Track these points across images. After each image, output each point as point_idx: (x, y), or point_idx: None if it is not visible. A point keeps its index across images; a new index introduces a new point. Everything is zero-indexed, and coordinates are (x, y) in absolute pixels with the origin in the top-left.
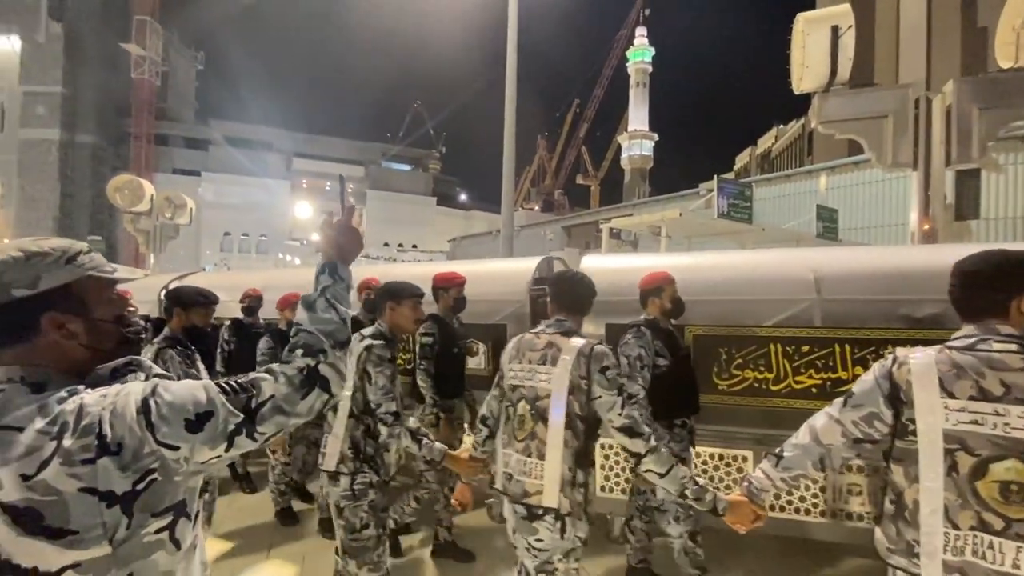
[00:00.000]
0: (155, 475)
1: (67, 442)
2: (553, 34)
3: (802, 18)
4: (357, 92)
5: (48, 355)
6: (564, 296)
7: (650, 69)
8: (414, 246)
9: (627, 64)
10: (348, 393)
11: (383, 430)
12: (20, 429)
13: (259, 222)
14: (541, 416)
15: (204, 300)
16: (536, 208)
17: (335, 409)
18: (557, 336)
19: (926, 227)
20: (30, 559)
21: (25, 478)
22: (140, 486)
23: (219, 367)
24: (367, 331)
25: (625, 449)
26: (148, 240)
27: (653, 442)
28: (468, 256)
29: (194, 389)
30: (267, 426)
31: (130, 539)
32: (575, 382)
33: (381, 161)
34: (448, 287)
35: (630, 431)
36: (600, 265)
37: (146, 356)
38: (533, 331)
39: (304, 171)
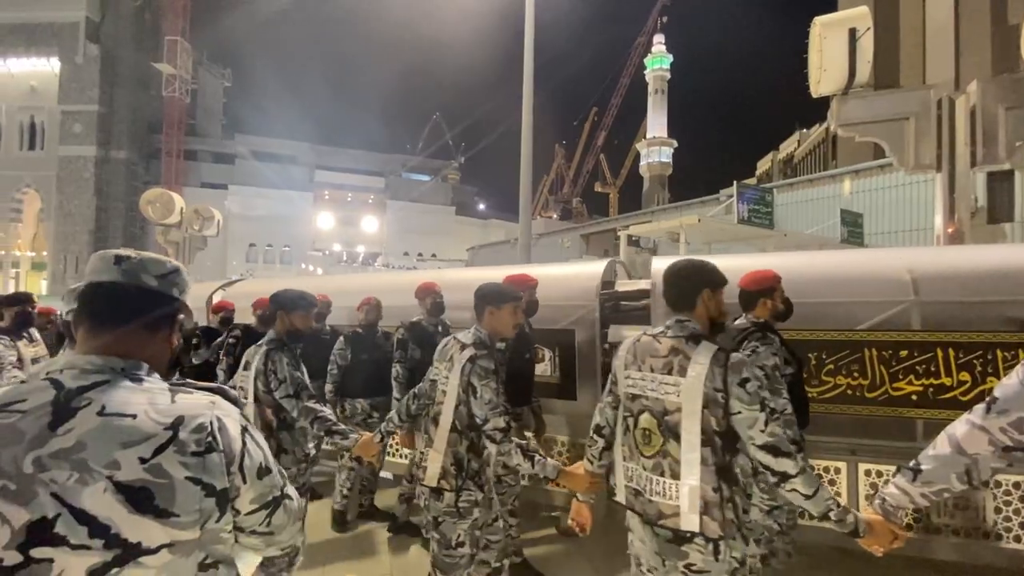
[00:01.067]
0: (232, 489)
1: (182, 434)
2: (570, 43)
3: (819, 22)
4: (378, 105)
5: (154, 354)
6: (679, 292)
7: (668, 76)
8: (433, 255)
9: (645, 71)
10: (451, 406)
11: (492, 447)
12: (134, 416)
13: (283, 233)
14: (672, 433)
15: (306, 303)
16: (554, 216)
17: (436, 422)
18: (681, 341)
19: (951, 230)
20: (136, 535)
21: (143, 460)
22: (229, 489)
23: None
24: (467, 339)
25: (767, 468)
26: (178, 251)
27: (802, 461)
28: (485, 265)
29: (266, 448)
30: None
31: (214, 529)
32: (710, 395)
33: (401, 172)
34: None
35: (775, 450)
36: None
37: (255, 357)
38: (650, 333)
39: (326, 183)
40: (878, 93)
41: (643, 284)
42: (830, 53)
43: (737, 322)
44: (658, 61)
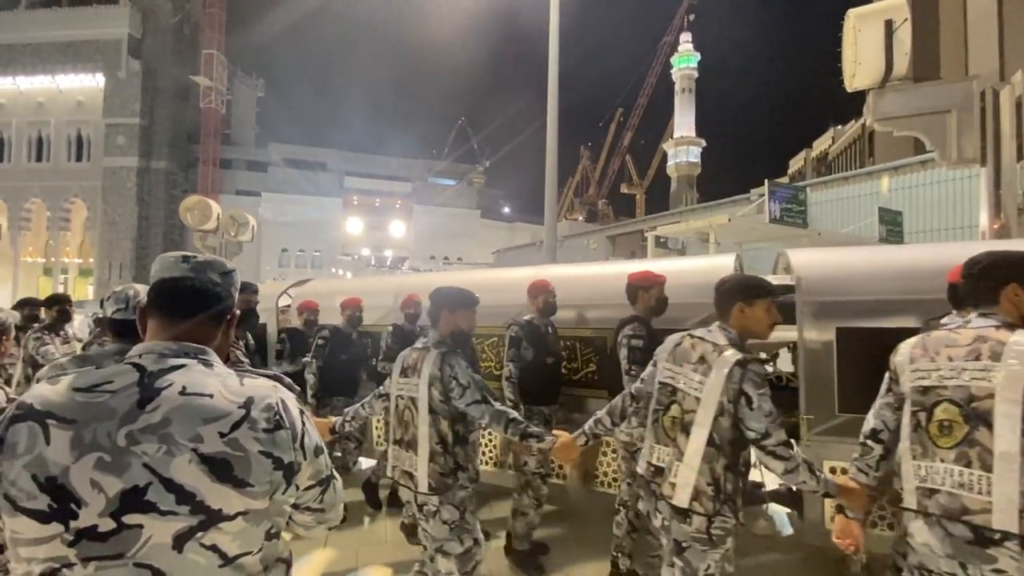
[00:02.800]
0: (295, 464)
1: (254, 413)
2: (595, 44)
3: (853, 14)
4: (405, 111)
5: (217, 344)
6: (983, 286)
7: (696, 75)
8: (459, 259)
9: (672, 71)
10: (710, 416)
11: (776, 465)
12: (211, 396)
13: (314, 238)
14: (982, 420)
15: (471, 301)
16: (580, 218)
17: (686, 432)
18: (991, 330)
19: (996, 226)
20: (218, 502)
21: (222, 435)
22: (294, 463)
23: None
24: (720, 339)
25: None
26: (215, 256)
27: None
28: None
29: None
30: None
31: (280, 500)
32: None
33: (428, 177)
34: (649, 286)
35: None
36: (821, 260)
37: (428, 361)
38: (951, 326)
39: (355, 189)
40: (917, 86)
41: (775, 278)
42: (865, 46)
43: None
44: (685, 60)
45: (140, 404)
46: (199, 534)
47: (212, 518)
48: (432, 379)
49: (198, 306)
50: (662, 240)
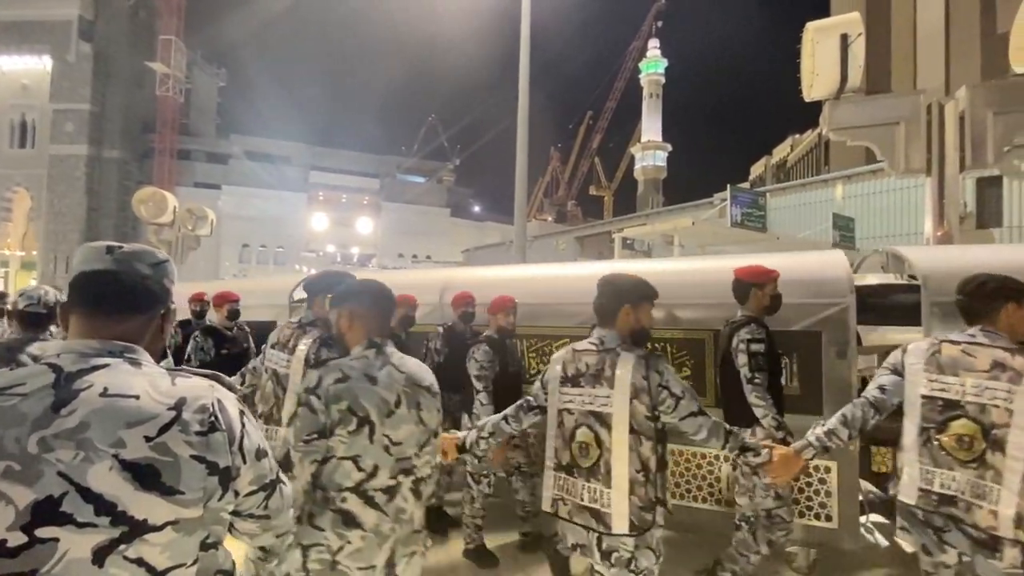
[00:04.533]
0: (233, 469)
1: (186, 414)
2: (566, 46)
3: (811, 27)
4: (373, 106)
5: (149, 341)
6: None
7: (663, 80)
8: (428, 257)
9: (640, 76)
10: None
11: None
12: (136, 397)
13: (277, 234)
14: (997, 445)
15: (653, 294)
16: (549, 219)
17: (996, 449)
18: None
19: (940, 233)
20: (142, 512)
21: (148, 439)
22: (231, 468)
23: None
24: (1005, 343)
25: None
26: (171, 250)
27: None
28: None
29: (260, 433)
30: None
31: (216, 508)
32: None
33: (396, 173)
34: (764, 283)
35: None
36: (945, 258)
37: (625, 368)
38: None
39: (321, 184)
40: (869, 98)
41: (889, 279)
42: (822, 58)
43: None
44: (653, 65)
45: (55, 407)
46: (122, 547)
47: (136, 529)
48: (637, 390)
49: (124, 301)
50: (629, 242)
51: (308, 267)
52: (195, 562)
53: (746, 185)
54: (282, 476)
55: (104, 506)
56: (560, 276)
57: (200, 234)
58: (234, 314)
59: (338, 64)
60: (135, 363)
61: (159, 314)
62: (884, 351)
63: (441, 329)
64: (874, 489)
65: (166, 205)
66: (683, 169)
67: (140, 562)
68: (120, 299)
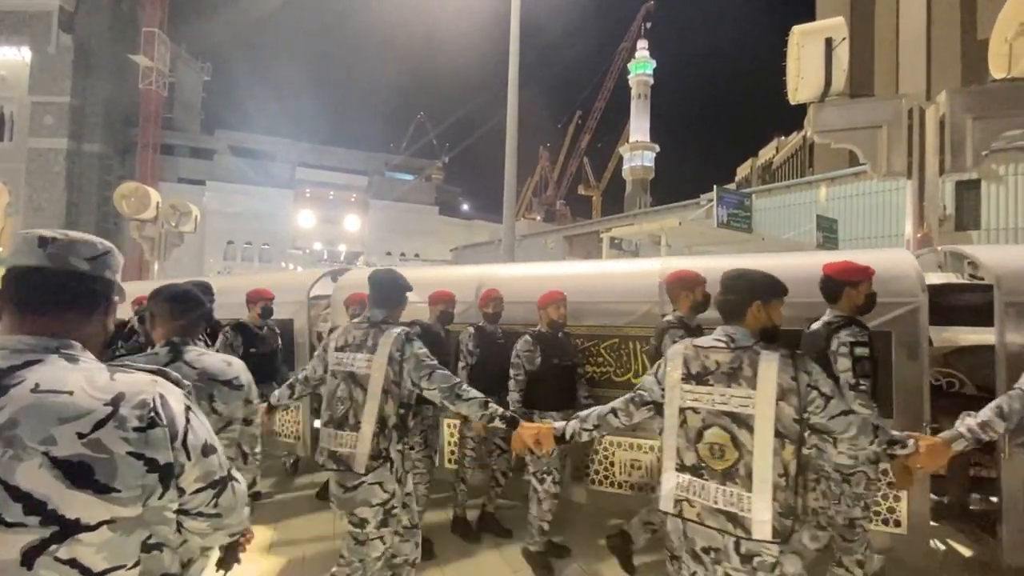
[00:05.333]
0: (176, 465)
1: (123, 410)
2: (555, 46)
3: (797, 30)
4: (361, 103)
5: (88, 335)
6: None
7: (651, 81)
8: (416, 255)
9: (628, 76)
10: None
11: None
12: (70, 393)
13: (262, 231)
14: None
15: (783, 290)
16: (538, 218)
17: None
18: None
19: (920, 235)
20: (74, 511)
21: (80, 435)
22: (173, 465)
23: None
24: None
25: None
26: (153, 247)
27: None
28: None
29: (209, 428)
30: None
31: (157, 507)
32: None
33: (384, 171)
34: (858, 281)
35: None
36: (1018, 258)
37: (768, 367)
38: None
39: (307, 181)
40: (853, 101)
41: (938, 276)
42: (807, 62)
43: None
44: (641, 66)
45: None
46: (53, 547)
47: (68, 529)
48: (784, 391)
49: (56, 298)
50: (616, 241)
51: (294, 265)
52: (136, 564)
53: (732, 186)
54: (235, 474)
55: (33, 505)
56: (608, 273)
57: (184, 230)
58: (268, 312)
59: (326, 60)
60: (71, 359)
61: (99, 308)
62: (956, 352)
63: (472, 329)
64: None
65: (149, 201)
66: (670, 170)
67: (73, 563)
68: (51, 298)
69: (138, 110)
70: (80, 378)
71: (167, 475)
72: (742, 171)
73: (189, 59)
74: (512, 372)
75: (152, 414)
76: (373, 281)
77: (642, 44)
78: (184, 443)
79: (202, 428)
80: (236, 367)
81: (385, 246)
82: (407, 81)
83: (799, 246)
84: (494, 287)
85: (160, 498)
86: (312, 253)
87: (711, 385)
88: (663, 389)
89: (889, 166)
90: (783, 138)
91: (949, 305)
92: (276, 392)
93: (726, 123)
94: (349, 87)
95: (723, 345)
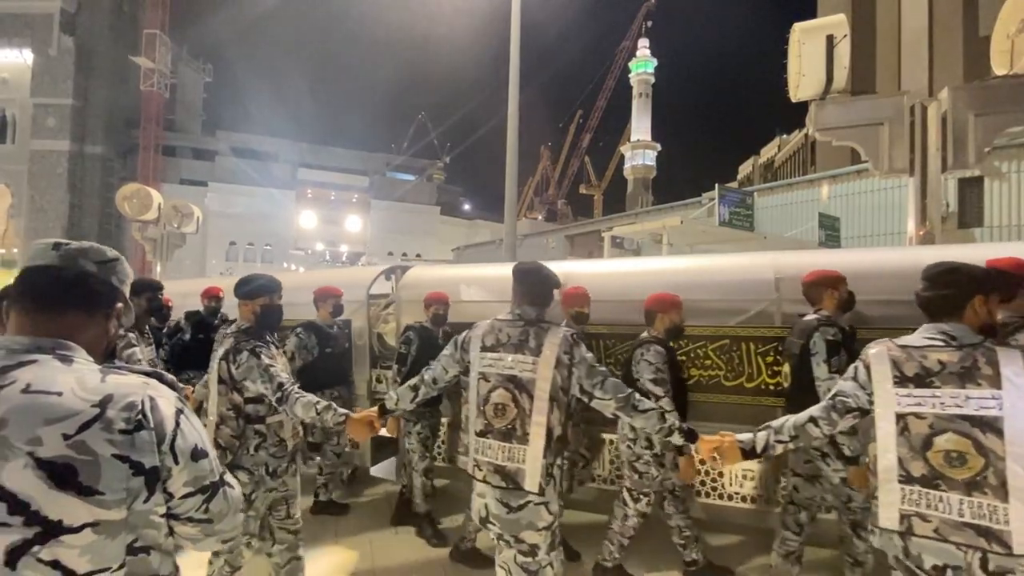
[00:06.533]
0: (162, 469)
1: (110, 412)
2: (556, 45)
3: (798, 28)
4: (362, 103)
5: (89, 338)
6: None
7: (652, 80)
8: (418, 255)
9: (629, 75)
10: None
11: None
12: (59, 394)
13: (264, 231)
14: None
15: (1002, 287)
16: (539, 218)
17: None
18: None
19: (922, 233)
20: (57, 512)
21: (66, 437)
22: (159, 468)
23: None
24: None
25: None
26: (155, 248)
27: None
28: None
29: (203, 432)
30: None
31: (143, 510)
32: None
33: (385, 171)
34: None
35: None
36: None
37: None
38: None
39: (309, 181)
40: (854, 98)
41: None
42: (808, 59)
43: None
44: (642, 65)
45: None
46: (35, 548)
47: (51, 530)
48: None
49: (61, 297)
50: (618, 240)
51: (296, 265)
52: (122, 566)
53: (734, 184)
54: (228, 479)
55: (17, 505)
56: (715, 268)
57: (186, 231)
58: (338, 310)
59: (327, 60)
60: (66, 359)
61: (103, 312)
62: None
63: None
64: None
65: (151, 202)
66: (672, 168)
67: (56, 565)
68: (57, 294)
69: (140, 112)
70: (71, 379)
71: (153, 479)
72: (744, 169)
73: (190, 60)
74: (659, 389)
75: (139, 416)
76: (520, 275)
77: (643, 43)
78: (172, 447)
79: (193, 432)
80: None
81: (386, 246)
82: (408, 81)
83: (801, 244)
84: (579, 284)
85: (146, 502)
86: (314, 254)
87: (935, 387)
88: (869, 394)
89: (891, 163)
90: (785, 136)
91: None
92: (392, 393)
93: (728, 121)
94: (350, 88)
95: (942, 343)
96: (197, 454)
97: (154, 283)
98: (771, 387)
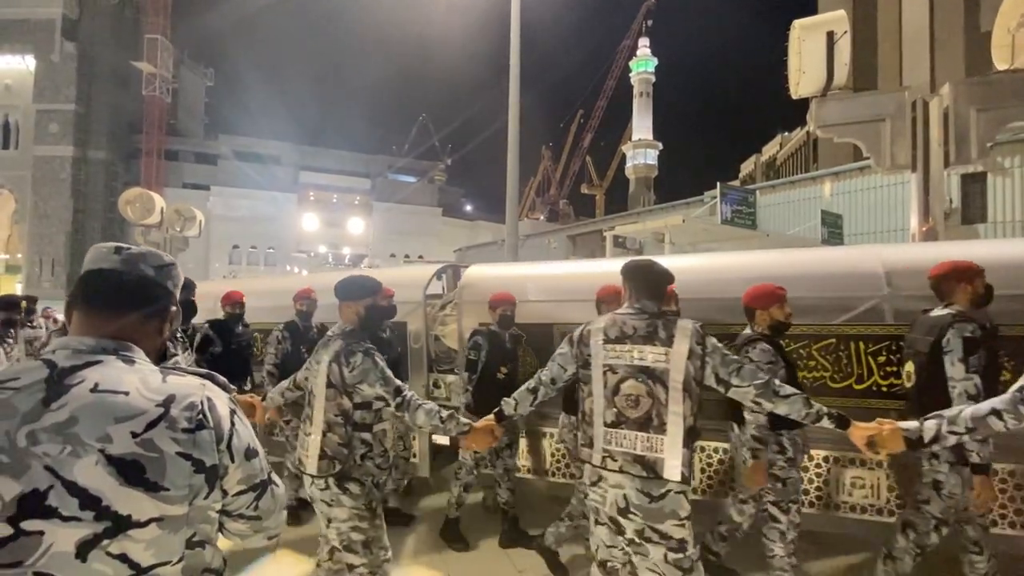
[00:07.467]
0: (220, 467)
1: (173, 411)
2: (556, 45)
3: (798, 25)
4: (364, 105)
5: (146, 338)
6: None
7: (653, 79)
8: (420, 256)
9: (630, 74)
10: None
11: None
12: (126, 393)
13: (267, 234)
14: None
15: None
16: (541, 218)
17: None
18: None
19: (924, 229)
20: (127, 507)
21: (134, 435)
22: (218, 466)
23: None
24: None
25: None
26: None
27: None
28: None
29: (252, 433)
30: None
31: (202, 506)
32: None
33: (387, 173)
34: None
35: None
36: None
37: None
38: None
39: (311, 184)
40: (855, 95)
41: None
42: (809, 56)
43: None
44: (643, 64)
45: (45, 402)
46: (105, 542)
47: (120, 525)
48: None
49: (123, 299)
50: (620, 240)
51: (299, 268)
52: (180, 560)
53: (736, 183)
54: (275, 478)
55: (89, 500)
56: (817, 261)
57: (189, 235)
58: (391, 312)
59: (328, 63)
60: (128, 360)
61: (158, 314)
62: None
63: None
64: None
65: (153, 206)
66: (674, 167)
67: (123, 558)
68: (118, 296)
69: (142, 116)
70: (135, 379)
71: (212, 476)
72: (746, 168)
73: (192, 65)
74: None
75: (200, 416)
76: (634, 271)
77: (643, 42)
78: (229, 446)
79: (246, 432)
80: None
81: (389, 248)
82: (408, 83)
83: (804, 242)
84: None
85: (205, 498)
86: (317, 256)
87: None
88: None
89: (893, 159)
90: (787, 134)
91: None
92: (510, 399)
93: (729, 120)
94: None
95: None
96: (250, 453)
97: (188, 283)
98: (884, 388)
